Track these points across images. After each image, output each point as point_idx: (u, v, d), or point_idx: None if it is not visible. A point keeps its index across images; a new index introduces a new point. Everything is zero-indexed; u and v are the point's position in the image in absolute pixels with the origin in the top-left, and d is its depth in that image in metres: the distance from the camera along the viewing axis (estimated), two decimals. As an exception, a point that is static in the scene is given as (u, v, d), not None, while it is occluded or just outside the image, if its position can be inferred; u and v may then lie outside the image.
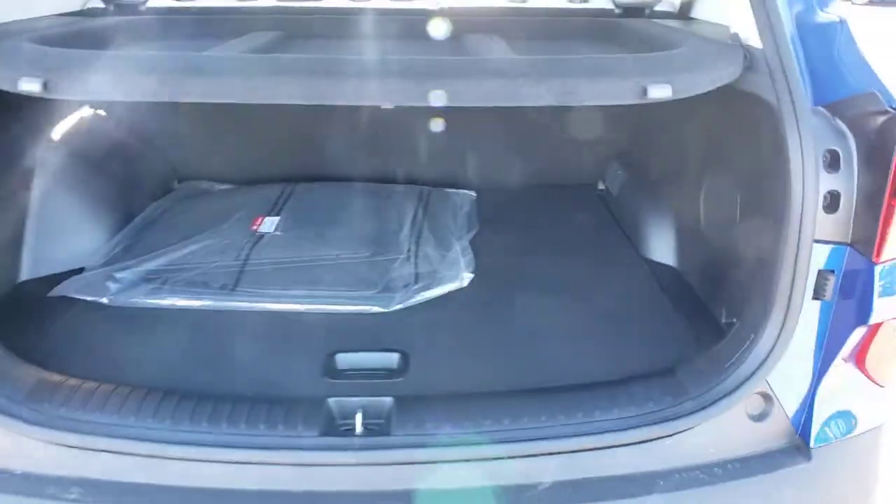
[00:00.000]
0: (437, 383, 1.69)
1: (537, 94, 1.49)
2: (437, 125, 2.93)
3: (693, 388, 1.57)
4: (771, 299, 1.50)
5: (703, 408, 1.52)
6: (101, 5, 2.58)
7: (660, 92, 1.49)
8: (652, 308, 2.06)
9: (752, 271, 1.65)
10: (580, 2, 2.75)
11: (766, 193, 1.60)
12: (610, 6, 2.68)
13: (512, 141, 2.97)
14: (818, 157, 1.45)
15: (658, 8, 2.65)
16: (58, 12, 2.36)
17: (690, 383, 1.58)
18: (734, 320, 1.80)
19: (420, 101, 1.49)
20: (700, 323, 1.92)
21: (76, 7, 2.51)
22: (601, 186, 2.98)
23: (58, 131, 2.32)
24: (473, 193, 2.94)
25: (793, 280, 1.48)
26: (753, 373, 1.52)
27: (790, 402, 1.60)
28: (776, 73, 1.52)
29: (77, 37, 1.99)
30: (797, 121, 1.46)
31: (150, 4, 2.60)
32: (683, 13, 2.48)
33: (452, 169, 3.04)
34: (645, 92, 1.49)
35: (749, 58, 1.61)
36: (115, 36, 2.23)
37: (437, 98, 1.49)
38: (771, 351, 1.52)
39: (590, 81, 1.51)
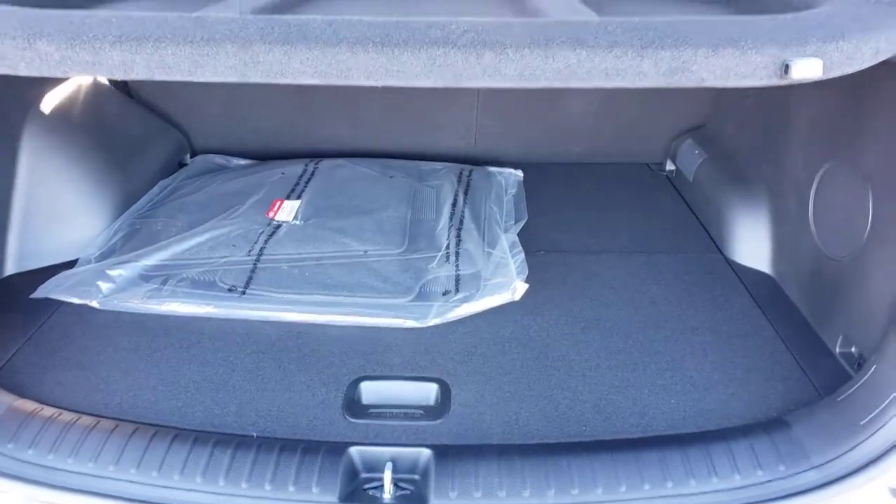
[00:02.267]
0: (486, 428, 1.38)
1: (638, 72, 1.11)
2: (477, 92, 2.58)
3: (816, 451, 1.24)
4: None
5: (833, 481, 1.19)
6: None
7: (808, 69, 1.09)
8: (746, 329, 1.70)
9: (890, 294, 1.29)
10: None
11: None
12: None
13: (563, 110, 2.60)
14: None
15: None
16: None
17: (812, 444, 1.25)
18: (854, 350, 1.45)
19: (479, 80, 1.13)
20: (809, 351, 1.58)
21: None
22: (670, 167, 2.60)
23: (47, 100, 2.02)
24: (520, 173, 2.59)
25: None
26: None
27: None
28: None
29: None
30: None
31: None
32: None
33: (496, 143, 2.70)
34: (786, 69, 1.09)
35: None
36: None
37: (499, 76, 1.12)
38: None
39: (709, 54, 1.10)
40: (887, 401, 1.21)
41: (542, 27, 1.18)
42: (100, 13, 1.25)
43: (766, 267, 1.92)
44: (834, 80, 1.24)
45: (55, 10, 1.27)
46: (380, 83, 1.14)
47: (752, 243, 1.96)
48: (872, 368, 1.30)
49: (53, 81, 2.06)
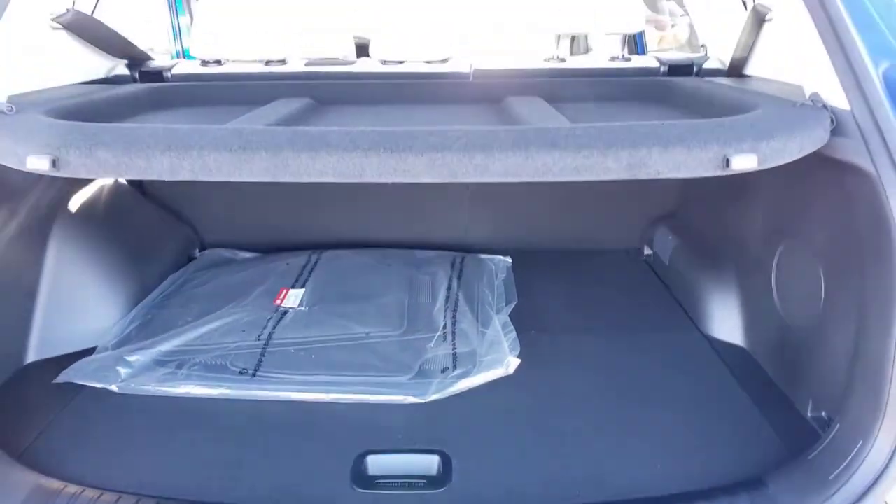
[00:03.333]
0: (486, 495, 1.48)
1: (604, 168, 1.31)
2: (468, 188, 2.78)
3: None
4: (881, 400, 1.28)
5: None
6: (127, 72, 2.50)
7: (744, 162, 1.30)
8: (724, 398, 1.82)
9: (850, 363, 1.42)
10: (622, 60, 2.59)
11: (864, 273, 1.39)
12: (654, 64, 2.52)
13: (548, 201, 2.80)
14: None
15: (706, 65, 2.49)
16: (82, 80, 2.27)
17: (786, 499, 1.35)
18: (824, 414, 1.57)
19: (471, 177, 1.32)
20: (782, 416, 1.69)
21: (101, 74, 2.42)
22: (647, 252, 2.78)
23: (73, 200, 2.19)
24: (509, 259, 2.76)
25: None
26: (869, 489, 1.29)
27: None
28: (870, 137, 1.33)
29: (98, 107, 1.87)
30: None
31: (174, 71, 2.50)
32: (737, 70, 2.30)
33: (486, 233, 2.88)
34: (727, 162, 1.30)
35: (835, 121, 1.42)
36: (138, 105, 2.12)
37: (487, 173, 1.31)
38: (890, 461, 1.28)
39: (662, 151, 1.32)
40: (850, 456, 1.32)
41: (523, 133, 1.39)
42: (148, 126, 1.45)
43: (740, 340, 2.05)
44: (780, 170, 1.44)
45: (110, 123, 1.47)
46: (389, 181, 1.33)
47: (724, 320, 2.10)
48: (836, 427, 1.42)
49: (81, 183, 2.25)
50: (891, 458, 1.28)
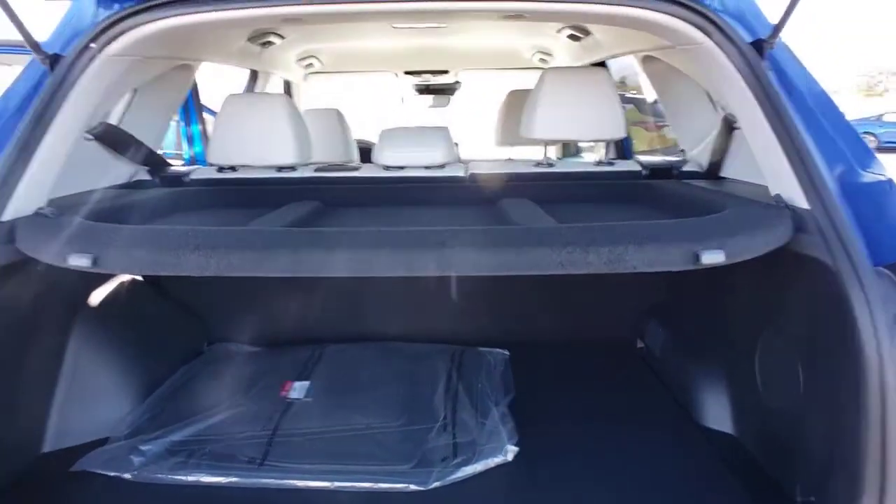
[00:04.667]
0: None
1: (586, 263, 1.47)
2: (466, 284, 2.93)
3: None
4: (859, 480, 1.37)
5: None
6: (148, 177, 2.70)
7: (713, 258, 1.46)
8: (715, 485, 1.89)
9: (829, 446, 1.52)
10: (606, 164, 2.81)
11: (834, 361, 1.50)
12: (637, 168, 2.73)
13: (543, 297, 2.93)
14: (890, 320, 1.37)
15: (686, 168, 2.69)
16: (109, 185, 2.46)
17: None
18: (812, 499, 1.64)
19: (469, 271, 1.47)
20: (772, 501, 1.76)
21: (125, 179, 2.62)
22: (640, 345, 2.89)
23: (96, 298, 2.33)
24: (506, 352, 2.86)
25: (883, 458, 1.35)
26: None
27: None
28: (828, 233, 1.48)
29: (125, 209, 2.05)
30: (860, 281, 1.40)
31: (193, 177, 2.71)
32: (712, 173, 2.50)
33: (483, 327, 2.99)
34: (697, 258, 1.46)
35: (797, 219, 1.58)
36: (162, 207, 2.30)
37: (481, 267, 1.47)
38: None
39: (638, 248, 1.48)
40: None
41: (514, 232, 1.56)
42: (178, 227, 1.61)
43: (729, 428, 2.13)
44: (755, 265, 1.59)
45: (145, 224, 1.63)
46: (395, 274, 1.48)
47: (713, 409, 2.18)
48: None
49: (101, 280, 2.39)
50: None
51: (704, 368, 2.29)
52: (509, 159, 3.75)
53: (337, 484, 1.89)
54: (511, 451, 2.00)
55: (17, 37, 1.77)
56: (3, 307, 1.67)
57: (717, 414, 2.18)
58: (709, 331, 2.36)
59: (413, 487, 1.87)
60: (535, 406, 2.36)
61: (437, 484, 1.88)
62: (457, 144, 2.85)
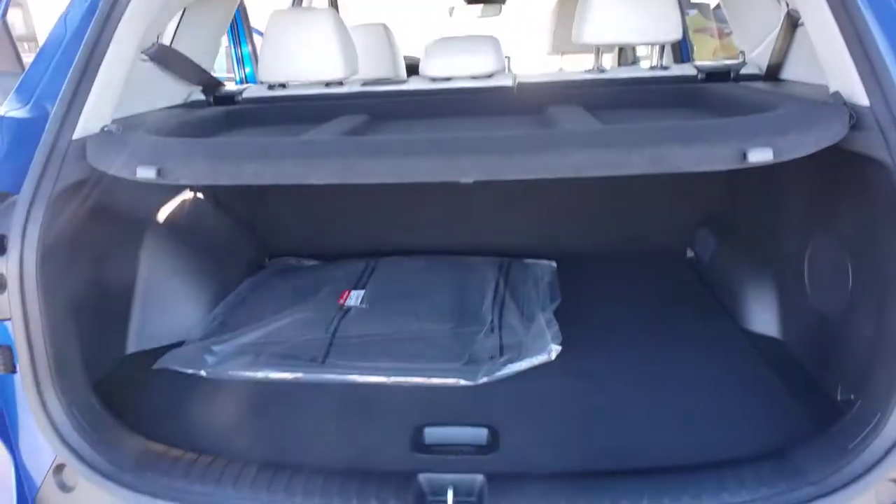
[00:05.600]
0: (529, 461, 1.65)
1: (628, 163, 1.48)
2: (514, 197, 2.97)
3: (812, 471, 1.45)
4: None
5: (826, 494, 1.40)
6: (202, 97, 2.80)
7: (760, 156, 1.43)
8: (757, 383, 1.94)
9: (873, 345, 1.53)
10: (660, 69, 2.75)
11: (885, 260, 1.50)
12: (692, 72, 2.66)
13: (592, 209, 2.95)
14: None
15: (744, 71, 2.61)
16: (167, 105, 2.58)
17: (809, 466, 1.46)
18: (852, 397, 1.67)
19: (512, 175, 1.52)
20: (812, 400, 1.80)
21: (181, 100, 2.73)
22: (689, 254, 2.90)
23: (162, 214, 2.49)
24: (554, 263, 2.92)
25: None
26: (884, 456, 1.39)
27: None
28: (888, 131, 1.44)
29: (184, 127, 2.15)
30: None
31: (245, 95, 2.79)
32: (772, 74, 2.42)
33: (532, 239, 3.05)
34: (744, 156, 1.43)
35: (855, 116, 1.53)
36: (217, 124, 2.40)
37: (526, 170, 1.51)
38: None
39: (683, 147, 1.47)
40: (868, 428, 1.43)
41: (557, 135, 1.59)
42: (235, 139, 1.71)
43: (776, 332, 2.16)
44: (809, 167, 1.58)
45: (203, 138, 1.74)
46: (440, 179, 1.55)
47: (761, 313, 2.21)
48: (858, 404, 1.54)
49: (167, 197, 2.55)
50: None
51: (753, 274, 2.31)
52: (560, 70, 3.69)
53: (393, 379, 2.04)
54: (555, 351, 2.11)
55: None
56: (78, 220, 1.81)
57: (764, 318, 2.21)
58: (759, 236, 2.35)
59: (463, 382, 2.00)
60: (580, 312, 2.44)
61: (484, 379, 2.00)
62: (508, 58, 2.82)
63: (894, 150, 1.42)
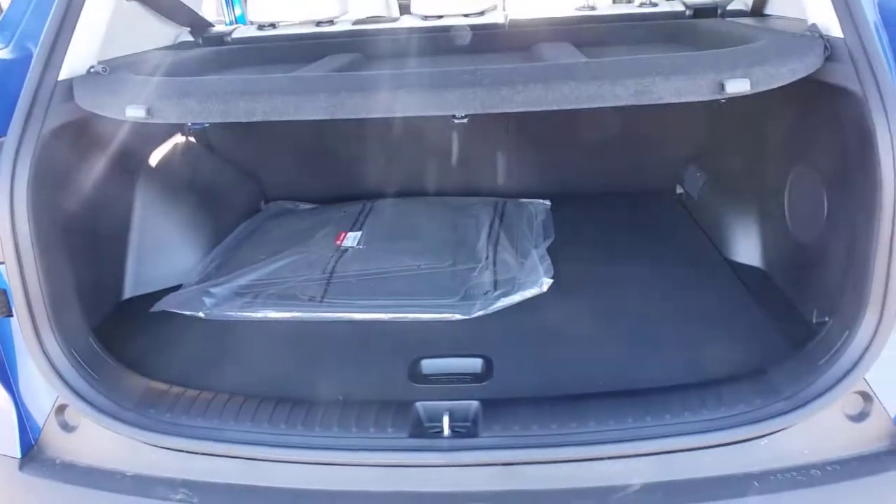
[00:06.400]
0: (522, 387, 1.71)
1: (612, 94, 1.50)
2: (508, 138, 2.96)
3: (785, 387, 1.53)
4: (865, 294, 1.46)
5: (797, 408, 1.48)
6: (191, 38, 2.76)
7: (738, 86, 1.47)
8: (739, 310, 2.01)
9: (844, 268, 1.59)
10: (649, 5, 2.73)
11: (855, 187, 1.54)
12: (680, 8, 2.66)
13: (584, 149, 2.96)
14: None
15: (731, 7, 2.61)
16: (154, 47, 2.54)
17: (782, 383, 1.55)
18: (826, 319, 1.74)
19: (499, 107, 1.52)
20: (790, 324, 1.86)
21: (169, 42, 2.69)
22: (679, 191, 2.93)
23: (154, 159, 2.48)
24: (548, 202, 2.95)
25: (888, 272, 1.43)
26: (850, 371, 1.47)
27: (893, 402, 1.54)
28: (860, 61, 1.48)
29: (172, 67, 2.13)
30: (885, 109, 1.41)
31: (234, 36, 2.75)
32: (757, 10, 2.42)
33: (526, 179, 3.06)
34: (722, 87, 1.47)
35: (830, 48, 1.57)
36: (207, 64, 2.37)
37: (513, 103, 1.51)
38: (868, 348, 1.47)
39: (664, 79, 1.50)
40: (837, 345, 1.51)
41: (543, 69, 1.59)
42: (224, 77, 1.70)
43: (758, 262, 2.23)
44: (788, 101, 1.59)
45: (194, 76, 1.72)
46: (428, 113, 1.55)
47: (744, 244, 2.27)
48: (829, 324, 1.61)
49: (159, 141, 2.53)
50: (869, 344, 1.47)
51: (738, 207, 2.35)
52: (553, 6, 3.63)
53: (390, 315, 2.07)
54: (546, 283, 2.14)
55: None
56: (69, 163, 1.80)
57: (748, 249, 2.27)
58: (744, 171, 2.39)
59: (458, 316, 2.04)
60: (573, 248, 2.48)
61: (480, 313, 2.04)
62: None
63: (864, 80, 1.46)
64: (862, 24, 1.49)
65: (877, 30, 1.50)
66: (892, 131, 1.40)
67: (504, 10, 2.88)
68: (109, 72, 1.83)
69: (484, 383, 1.75)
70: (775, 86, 1.51)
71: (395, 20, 2.85)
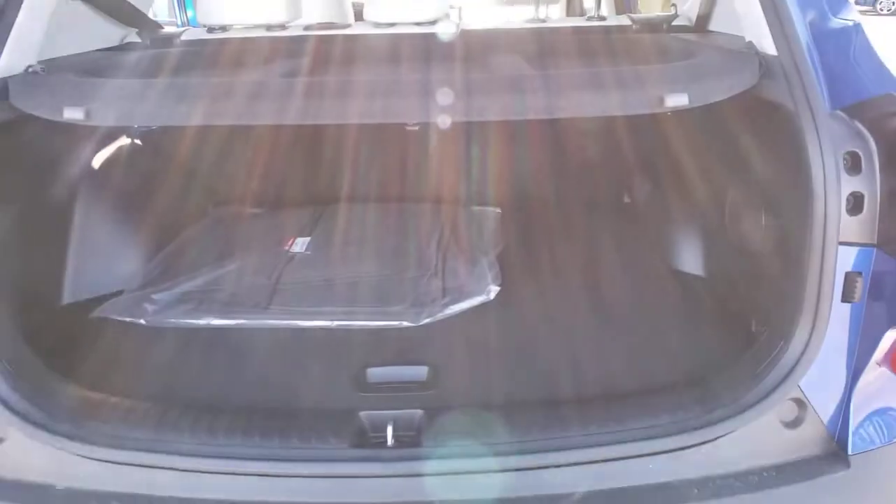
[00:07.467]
0: (467, 395, 1.71)
1: (558, 107, 1.52)
2: (461, 146, 2.98)
3: (724, 395, 1.57)
4: (799, 304, 1.50)
5: (735, 415, 1.52)
6: (138, 40, 2.70)
7: (676, 100, 1.51)
8: (682, 319, 2.05)
9: (780, 278, 1.64)
10: (598, 20, 2.79)
11: (790, 199, 1.60)
12: (627, 22, 2.72)
13: (535, 158, 2.99)
14: (838, 160, 1.45)
15: (676, 23, 2.68)
16: (99, 48, 2.48)
17: (721, 391, 1.58)
18: (763, 329, 1.79)
19: (446, 116, 1.53)
20: (731, 333, 1.91)
21: (115, 43, 2.62)
22: (626, 199, 2.99)
23: (97, 161, 2.41)
24: (498, 210, 2.96)
25: (819, 284, 1.48)
26: (784, 378, 1.52)
27: (825, 408, 1.59)
28: (792, 78, 1.54)
29: (115, 69, 2.08)
30: (815, 124, 1.47)
31: (184, 38, 2.70)
32: (700, 27, 2.50)
33: (477, 187, 3.08)
34: (662, 101, 1.51)
35: (765, 65, 1.63)
36: (152, 67, 2.32)
37: (458, 113, 1.52)
38: (801, 356, 1.51)
39: (608, 93, 1.54)
40: (772, 354, 1.56)
41: (491, 80, 1.61)
42: (168, 80, 1.67)
43: (701, 271, 2.28)
44: (732, 118, 1.64)
45: (138, 78, 1.69)
46: (376, 121, 1.55)
47: (688, 253, 2.33)
48: (765, 334, 1.66)
49: (102, 143, 2.46)
50: (802, 353, 1.52)
51: (682, 217, 2.42)
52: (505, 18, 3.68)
53: (337, 323, 2.06)
54: (493, 291, 2.16)
55: None
56: (3, 166, 1.74)
57: (691, 259, 2.33)
58: (687, 182, 2.45)
59: (406, 324, 2.03)
60: (521, 256, 2.51)
61: (427, 320, 2.04)
62: (459, 8, 2.82)
63: (796, 96, 1.53)
64: (794, 42, 1.56)
65: (808, 48, 1.56)
66: (823, 146, 1.45)
67: (458, 19, 2.90)
68: (48, 72, 1.77)
69: (429, 392, 1.75)
70: (712, 101, 1.56)
71: (347, 27, 2.84)
